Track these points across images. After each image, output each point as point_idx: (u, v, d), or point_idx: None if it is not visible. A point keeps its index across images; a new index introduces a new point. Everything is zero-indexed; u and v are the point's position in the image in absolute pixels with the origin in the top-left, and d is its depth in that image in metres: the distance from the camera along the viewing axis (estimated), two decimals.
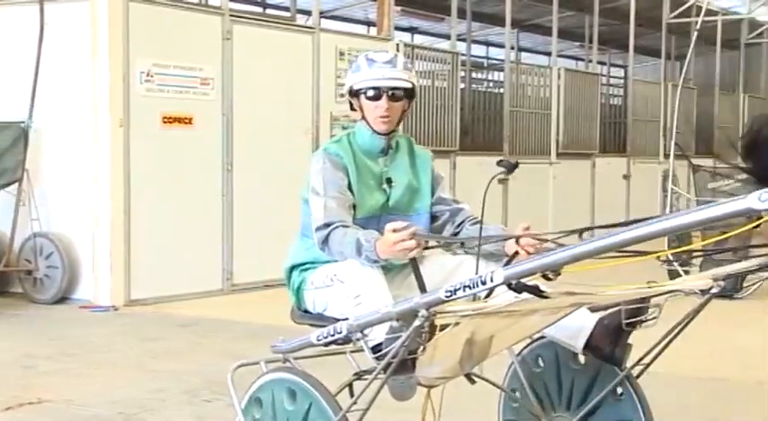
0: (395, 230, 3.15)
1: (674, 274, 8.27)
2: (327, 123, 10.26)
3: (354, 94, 3.60)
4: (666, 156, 13.21)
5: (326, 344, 3.31)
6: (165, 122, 8.70)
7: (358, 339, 3.16)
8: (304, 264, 3.62)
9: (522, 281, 2.72)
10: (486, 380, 3.60)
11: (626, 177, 15.36)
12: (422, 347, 2.92)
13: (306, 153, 10.04)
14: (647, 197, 14.80)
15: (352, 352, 3.52)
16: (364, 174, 3.58)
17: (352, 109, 3.68)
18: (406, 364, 2.94)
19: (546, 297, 2.78)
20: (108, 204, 8.39)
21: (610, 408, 3.35)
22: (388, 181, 3.61)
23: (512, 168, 3.43)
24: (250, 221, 9.37)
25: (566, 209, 13.23)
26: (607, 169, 14.85)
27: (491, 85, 16.17)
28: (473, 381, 3.53)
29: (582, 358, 3.43)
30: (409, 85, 3.56)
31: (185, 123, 8.88)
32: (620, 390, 3.32)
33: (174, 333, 7.35)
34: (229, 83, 9.23)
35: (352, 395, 3.35)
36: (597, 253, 2.42)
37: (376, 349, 3.07)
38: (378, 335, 3.08)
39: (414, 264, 3.22)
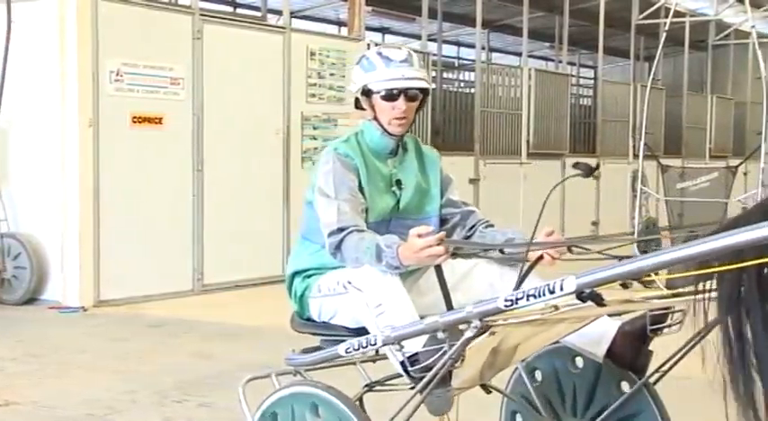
0: (420, 235, 2.98)
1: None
2: (298, 123, 10.24)
3: (365, 92, 3.40)
4: (636, 156, 13.30)
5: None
6: (134, 122, 8.65)
7: (396, 350, 2.96)
8: (308, 269, 3.42)
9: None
10: (491, 387, 3.45)
11: (596, 177, 15.44)
12: (461, 358, 2.80)
13: (276, 153, 10.04)
14: (616, 197, 14.90)
15: (362, 362, 3.39)
16: (374, 176, 3.40)
17: (359, 108, 3.47)
18: (444, 377, 2.82)
19: (605, 305, 2.64)
20: (77, 204, 8.33)
21: (627, 417, 3.26)
22: (398, 183, 3.44)
23: (589, 172, 3.26)
24: (221, 221, 9.34)
25: (536, 209, 13.22)
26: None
27: (462, 85, 16.20)
28: (489, 391, 3.42)
29: (594, 365, 3.32)
30: (426, 85, 3.40)
31: (155, 123, 8.83)
32: (637, 398, 3.23)
33: (144, 333, 7.31)
34: (200, 83, 9.19)
35: (362, 407, 3.26)
36: (682, 261, 2.25)
37: (411, 361, 2.92)
38: (414, 346, 2.92)
39: (439, 270, 3.03)
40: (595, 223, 14.73)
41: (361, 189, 3.35)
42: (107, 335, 7.25)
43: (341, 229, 3.21)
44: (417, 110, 3.46)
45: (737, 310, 2.22)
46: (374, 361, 3.36)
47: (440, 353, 2.80)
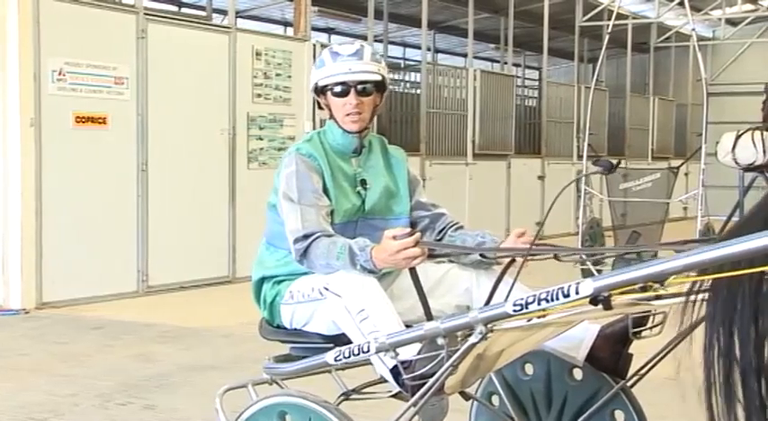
0: (395, 237, 2.90)
1: (587, 274, 8.41)
2: (244, 123, 10.20)
3: (320, 91, 3.31)
4: (580, 156, 13.45)
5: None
6: (77, 122, 8.55)
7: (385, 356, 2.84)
8: (277, 276, 3.30)
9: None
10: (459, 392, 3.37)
11: (541, 178, 15.59)
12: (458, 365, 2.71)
13: (222, 153, 9.99)
14: (561, 197, 15.04)
15: (337, 370, 3.30)
16: (338, 176, 3.29)
17: (320, 107, 3.38)
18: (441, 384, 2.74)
19: (611, 308, 2.51)
20: (18, 205, 8.21)
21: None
22: (363, 183, 3.33)
23: (611, 168, 3.14)
24: (166, 222, 9.27)
25: (482, 209, 13.38)
26: (522, 170, 15.06)
27: (408, 85, 16.23)
28: (468, 398, 3.39)
29: (579, 373, 3.29)
30: (378, 78, 3.28)
31: (99, 123, 8.74)
32: (616, 409, 3.20)
33: (87, 336, 7.23)
34: (144, 82, 9.11)
35: None
36: (712, 263, 2.12)
37: (399, 368, 2.81)
38: (407, 353, 2.81)
39: (414, 273, 2.95)
40: (540, 223, 14.88)
41: (325, 190, 3.25)
42: (49, 337, 7.16)
43: (306, 236, 3.11)
44: (377, 106, 3.35)
45: (729, 328, 2.10)
46: (344, 368, 3.27)
47: (438, 361, 2.69)
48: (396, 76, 16.92)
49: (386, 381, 3.03)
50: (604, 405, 3.21)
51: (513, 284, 2.76)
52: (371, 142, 3.44)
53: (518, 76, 18.48)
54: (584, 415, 3.24)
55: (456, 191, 13.17)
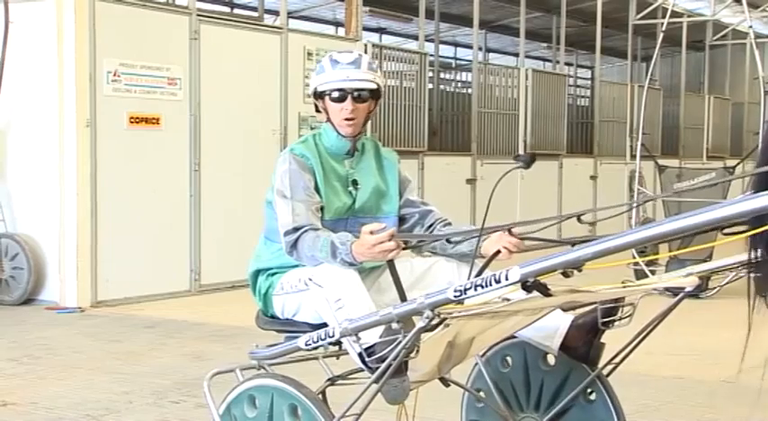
0: (372, 232, 3.10)
1: (640, 274, 8.33)
2: (295, 123, 10.25)
3: (319, 95, 3.54)
4: (633, 156, 13.31)
5: (314, 349, 3.24)
6: (132, 122, 8.65)
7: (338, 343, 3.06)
8: (270, 268, 3.55)
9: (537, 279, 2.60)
10: (451, 381, 3.59)
11: (593, 178, 15.45)
12: (416, 349, 2.88)
13: (274, 153, 10.02)
14: (613, 197, 14.91)
15: (324, 357, 3.46)
16: (330, 176, 3.51)
17: (317, 111, 3.61)
18: (400, 367, 2.89)
19: (551, 295, 2.69)
20: (74, 205, 8.33)
21: (581, 408, 3.37)
22: (354, 183, 3.54)
23: (529, 162, 3.33)
24: (218, 221, 9.35)
25: (533, 209, 13.29)
26: (574, 170, 14.93)
27: (459, 85, 16.21)
28: (447, 385, 3.52)
29: (552, 358, 3.44)
30: (374, 86, 3.49)
31: (152, 123, 8.83)
32: (591, 390, 3.34)
33: (141, 334, 7.31)
34: (197, 83, 9.19)
35: (325, 401, 3.30)
36: (621, 249, 2.36)
37: (368, 352, 2.99)
38: (370, 338, 3.00)
39: (391, 266, 3.15)
40: (592, 224, 14.75)
41: (317, 189, 3.46)
42: (105, 335, 7.25)
43: (296, 229, 3.34)
44: (370, 112, 3.55)
45: None
46: (338, 356, 3.45)
47: (395, 344, 2.86)
48: (447, 76, 16.91)
49: None
50: (581, 393, 3.34)
51: (479, 273, 2.89)
52: (365, 145, 3.64)
53: (570, 76, 18.33)
54: (563, 401, 3.38)
55: (507, 190, 13.09)
